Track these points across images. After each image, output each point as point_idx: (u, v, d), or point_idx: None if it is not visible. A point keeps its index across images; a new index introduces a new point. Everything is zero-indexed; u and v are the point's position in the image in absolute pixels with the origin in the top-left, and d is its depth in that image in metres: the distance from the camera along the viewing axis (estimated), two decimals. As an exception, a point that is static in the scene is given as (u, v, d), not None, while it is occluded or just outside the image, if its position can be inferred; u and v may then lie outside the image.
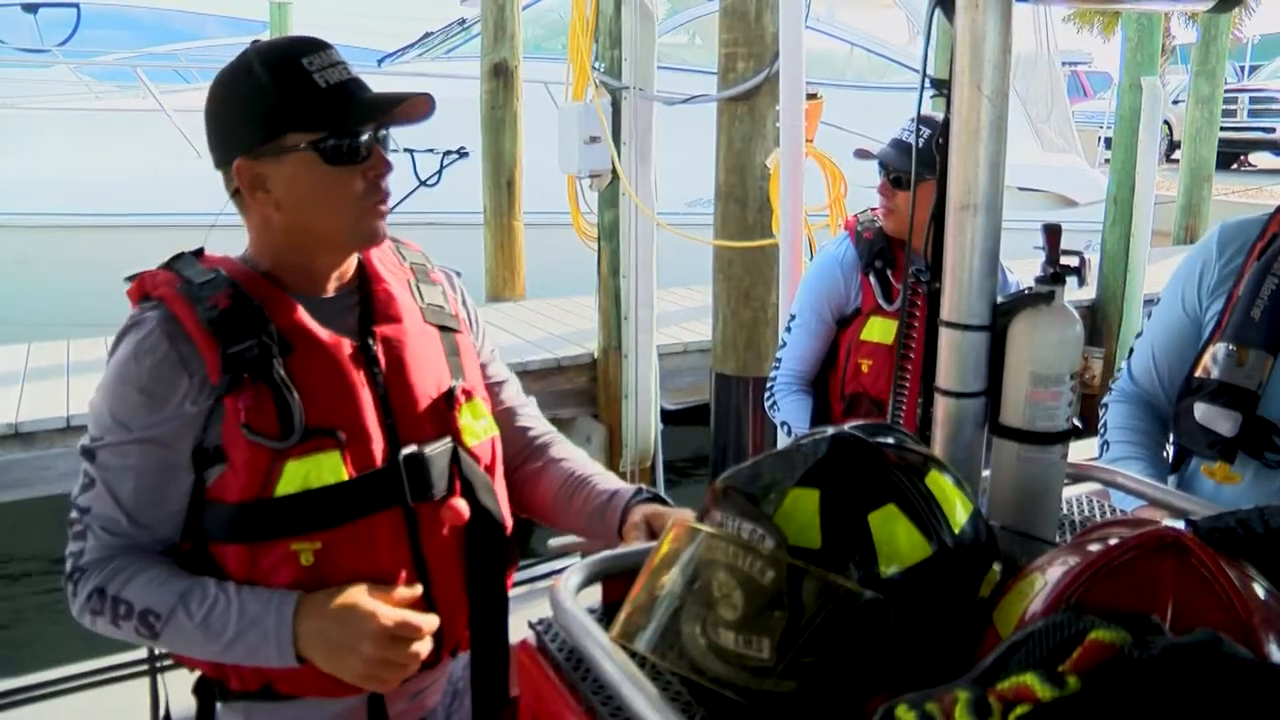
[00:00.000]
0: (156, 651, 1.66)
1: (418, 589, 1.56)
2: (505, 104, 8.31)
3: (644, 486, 1.75)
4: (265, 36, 12.00)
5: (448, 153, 8.90)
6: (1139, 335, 2.26)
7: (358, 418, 1.56)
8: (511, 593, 2.87)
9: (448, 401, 1.64)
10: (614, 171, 5.74)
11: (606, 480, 1.79)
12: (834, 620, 1.02)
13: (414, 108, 1.60)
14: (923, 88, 1.60)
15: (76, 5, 15.47)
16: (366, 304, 1.65)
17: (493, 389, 1.82)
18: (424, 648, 1.52)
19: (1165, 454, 2.15)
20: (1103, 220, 8.69)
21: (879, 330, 2.97)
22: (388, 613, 1.49)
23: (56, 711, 2.42)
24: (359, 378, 1.58)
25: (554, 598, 1.19)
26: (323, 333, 1.57)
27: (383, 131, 1.60)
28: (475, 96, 8.42)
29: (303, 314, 1.57)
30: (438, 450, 1.62)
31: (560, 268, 8.16)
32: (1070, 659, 0.73)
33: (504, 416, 1.83)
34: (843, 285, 3.05)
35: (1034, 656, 0.76)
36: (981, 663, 0.82)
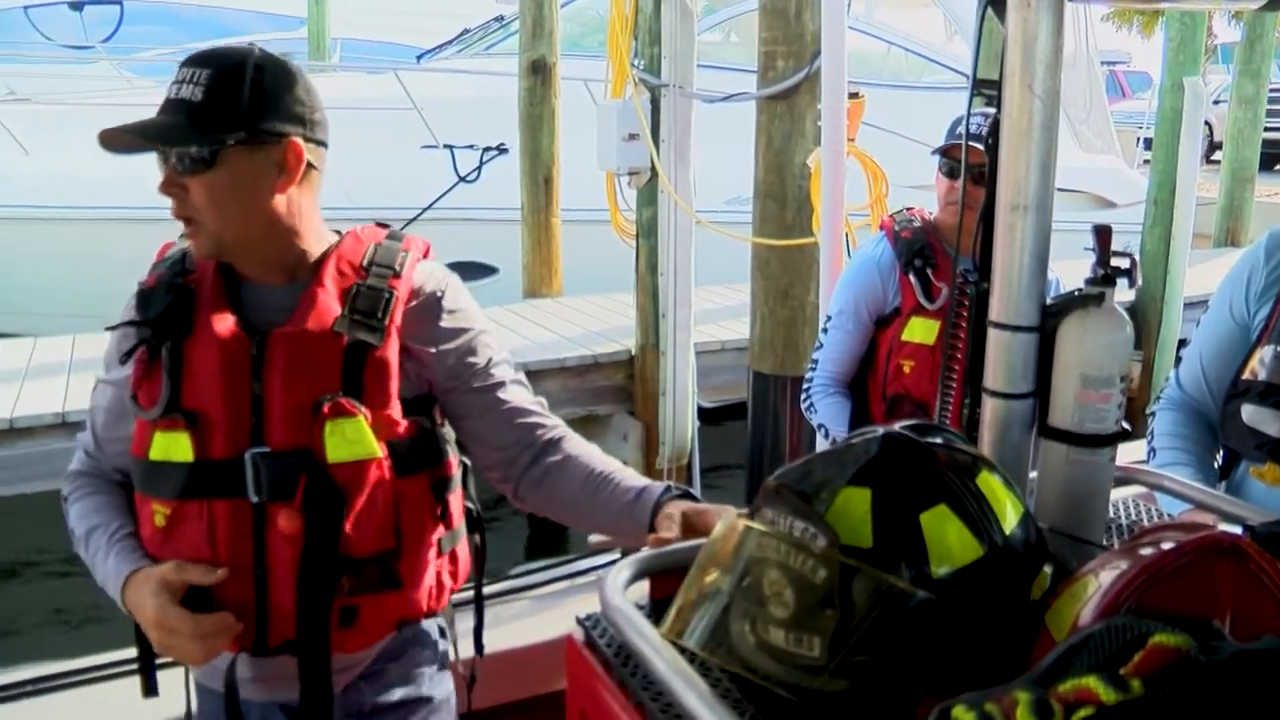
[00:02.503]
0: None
1: (218, 573, 1.62)
2: (543, 101, 8.32)
3: (672, 484, 1.72)
4: (303, 33, 12.10)
5: (487, 149, 8.98)
6: (1186, 344, 2.25)
7: (219, 408, 1.63)
8: (550, 588, 2.92)
9: (314, 413, 1.63)
10: (653, 169, 5.74)
11: (631, 477, 1.76)
12: (886, 620, 1.02)
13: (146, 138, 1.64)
14: (973, 88, 1.60)
15: (120, 2, 15.62)
16: (298, 302, 1.69)
17: (488, 391, 1.78)
18: (204, 643, 1.60)
19: (1214, 462, 2.13)
20: (1142, 222, 8.60)
21: (921, 331, 2.95)
22: (155, 605, 1.59)
23: (58, 705, 2.43)
24: (236, 371, 1.63)
25: (603, 594, 1.20)
26: (222, 323, 1.65)
27: (169, 153, 1.62)
28: (513, 94, 8.45)
29: (221, 302, 1.68)
30: (288, 458, 1.63)
31: (596, 265, 8.17)
32: (1132, 663, 0.72)
33: (505, 417, 1.79)
34: (880, 286, 3.03)
35: (1094, 659, 0.75)
36: (1038, 665, 0.82)
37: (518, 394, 1.82)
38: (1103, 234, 1.43)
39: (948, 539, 1.09)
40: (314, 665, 1.68)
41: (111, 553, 1.69)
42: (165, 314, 1.66)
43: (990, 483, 1.15)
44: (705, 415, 6.73)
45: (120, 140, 1.60)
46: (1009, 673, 1.04)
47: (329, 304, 1.67)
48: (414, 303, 1.73)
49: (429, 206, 8.65)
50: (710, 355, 7.04)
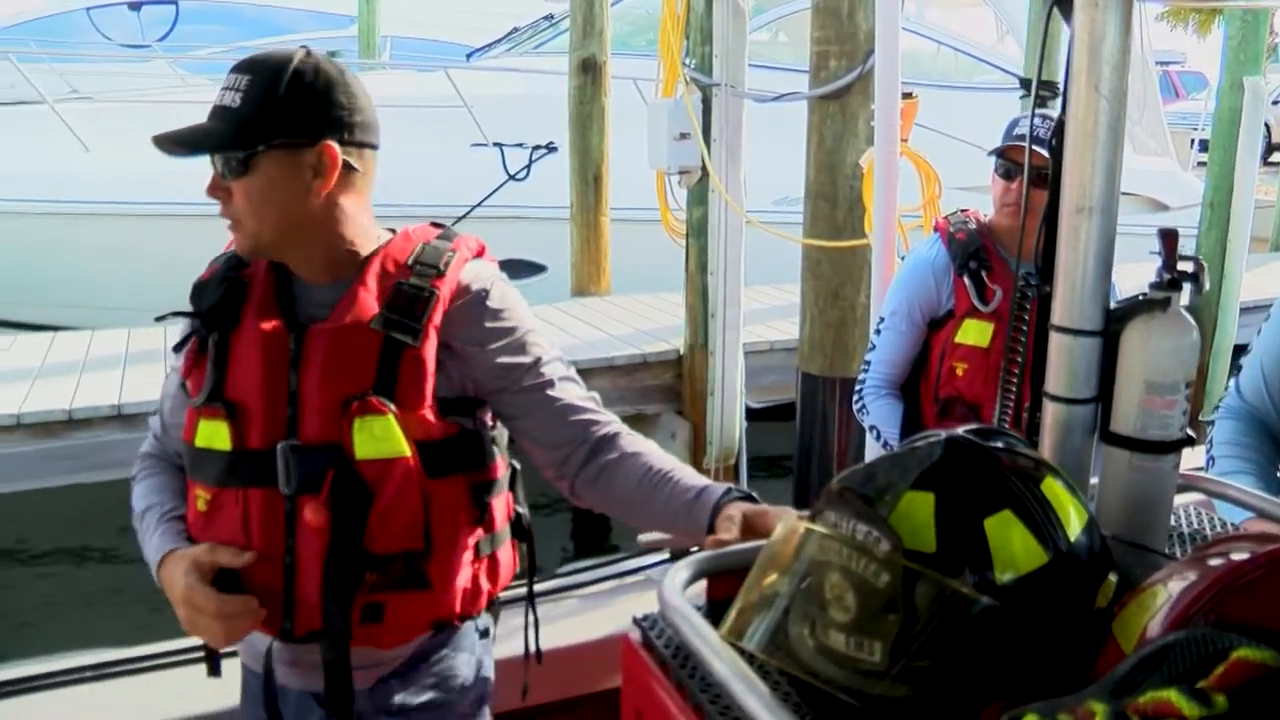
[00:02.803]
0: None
1: (246, 556, 1.67)
2: (593, 99, 8.33)
3: (733, 486, 1.70)
4: (353, 32, 12.20)
5: (536, 147, 9.02)
6: (1244, 350, 2.21)
7: (257, 400, 1.68)
8: (598, 587, 2.93)
9: (344, 410, 1.65)
10: (703, 168, 5.73)
11: (690, 476, 1.74)
12: (949, 626, 1.01)
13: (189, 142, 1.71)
14: (1036, 88, 1.58)
15: (175, 2, 15.85)
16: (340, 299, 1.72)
17: (538, 390, 1.77)
18: (227, 624, 1.64)
19: (1276, 471, 2.09)
20: (1197, 225, 8.47)
21: (974, 333, 2.92)
22: (185, 583, 1.64)
23: (116, 691, 2.47)
24: (275, 365, 1.68)
25: (661, 594, 1.19)
26: (267, 317, 1.70)
27: (216, 158, 1.68)
28: (563, 92, 8.47)
29: (269, 297, 1.74)
30: (318, 452, 1.66)
31: (643, 264, 8.18)
32: (1213, 676, 0.71)
33: (557, 414, 1.78)
34: (934, 287, 3.00)
35: (1173, 672, 0.74)
36: (1110, 675, 0.81)
37: (569, 391, 1.80)
38: (1169, 238, 1.41)
39: (1012, 545, 1.07)
40: (336, 656, 1.70)
41: (157, 532, 1.76)
42: (215, 307, 1.73)
43: (1055, 488, 1.14)
44: (752, 415, 6.71)
45: (168, 145, 1.67)
46: (1073, 681, 1.03)
47: (368, 302, 1.69)
48: (458, 302, 1.73)
49: (478, 204, 8.70)
50: (759, 355, 7.03)
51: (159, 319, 1.85)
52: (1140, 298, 1.40)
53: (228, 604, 1.63)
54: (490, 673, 1.94)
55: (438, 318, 1.70)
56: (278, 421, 1.68)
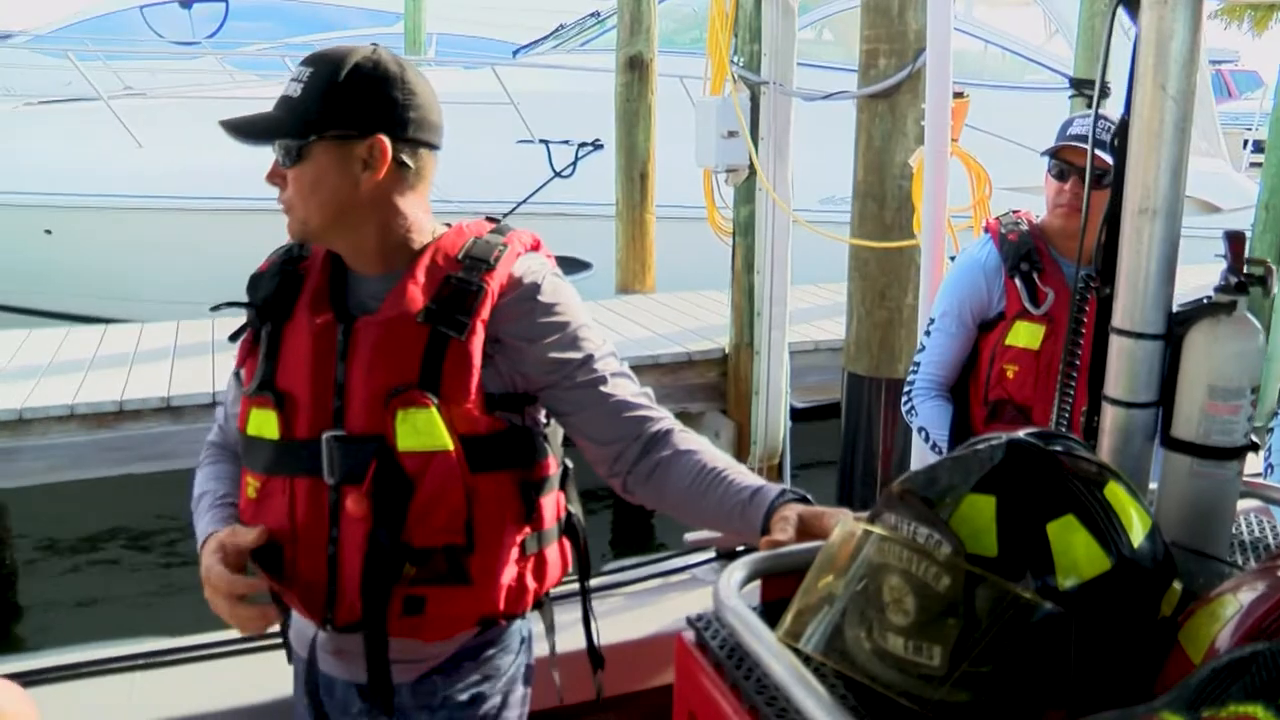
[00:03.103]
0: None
1: (257, 530, 1.70)
2: (640, 97, 8.33)
3: (788, 487, 1.69)
4: (400, 29, 12.30)
5: (582, 145, 9.04)
6: None
7: (304, 390, 1.71)
8: (643, 586, 2.92)
9: (387, 400, 1.66)
10: (751, 167, 5.71)
11: (745, 475, 1.73)
12: (1010, 631, 1.00)
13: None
14: (1100, 90, 1.56)
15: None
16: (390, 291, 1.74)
17: (591, 386, 1.76)
18: (234, 606, 1.65)
19: None
20: (1251, 227, 8.34)
21: (1025, 335, 2.89)
22: (206, 563, 1.67)
23: (163, 681, 2.49)
24: (323, 356, 1.70)
25: (717, 594, 1.19)
26: (318, 308, 1.73)
27: (276, 146, 1.72)
28: (609, 90, 8.47)
29: (322, 288, 1.76)
30: (362, 443, 1.67)
31: (688, 262, 8.17)
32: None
33: (611, 411, 1.77)
34: (985, 289, 2.97)
35: (1255, 685, 0.72)
36: (1183, 685, 0.80)
37: (623, 387, 1.79)
38: (1236, 241, 1.39)
39: (1075, 550, 1.06)
40: (374, 647, 1.71)
41: (206, 516, 1.80)
42: (269, 298, 1.76)
43: (1118, 493, 1.12)
44: (797, 415, 6.69)
45: (232, 131, 1.71)
46: (1138, 690, 1.02)
47: (416, 295, 1.69)
48: (508, 296, 1.73)
49: (524, 201, 8.73)
50: (803, 355, 7.00)
51: (214, 309, 1.88)
52: (1205, 301, 1.38)
53: (236, 584, 1.64)
54: (532, 673, 1.95)
55: (486, 312, 1.70)
56: (324, 412, 1.69)
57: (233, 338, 1.82)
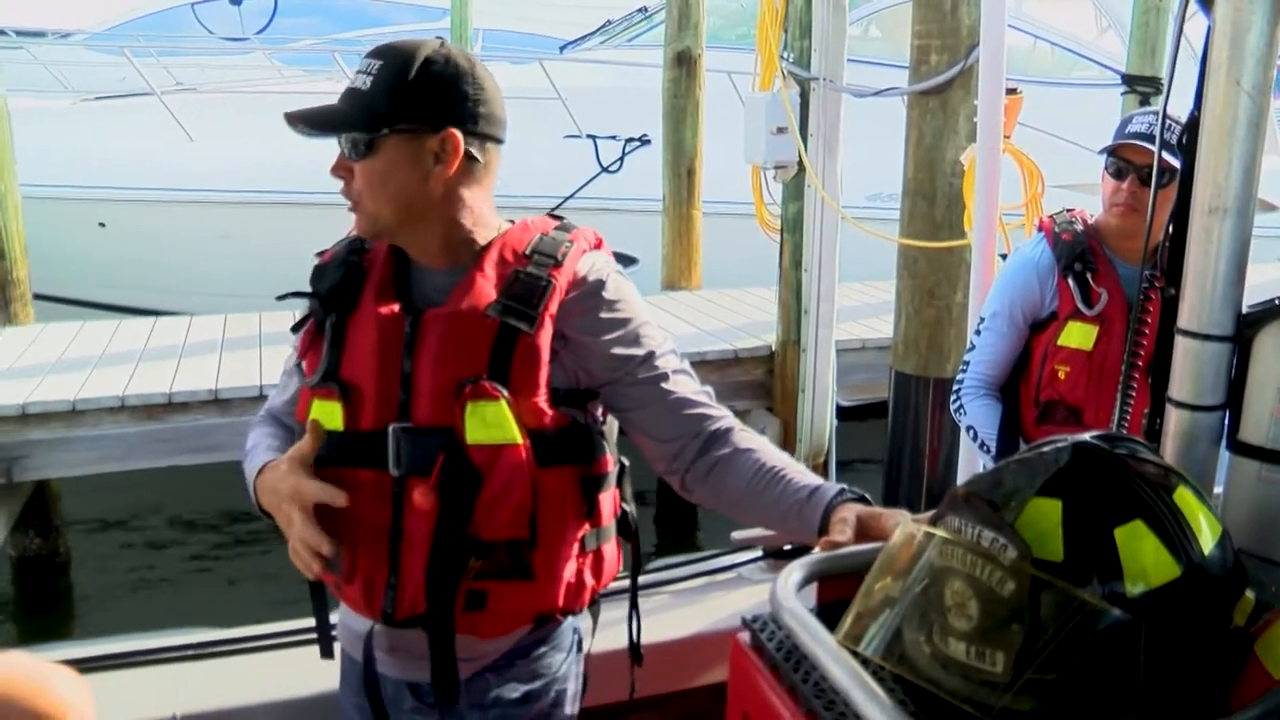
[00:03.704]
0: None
1: (341, 495, 1.64)
2: (687, 93, 8.32)
3: (847, 486, 1.66)
4: (446, 24, 12.35)
5: (629, 140, 9.02)
6: None
7: (370, 381, 1.70)
8: (690, 584, 2.91)
9: (456, 392, 1.65)
10: (800, 164, 5.68)
11: (803, 475, 1.71)
12: (1076, 638, 0.98)
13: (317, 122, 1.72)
14: (1169, 88, 1.52)
15: (275, -5, 16.24)
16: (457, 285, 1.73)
17: (653, 383, 1.76)
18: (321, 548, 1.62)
19: None
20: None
21: (1078, 336, 2.85)
22: (279, 473, 1.67)
23: (234, 669, 2.51)
24: (389, 348, 1.69)
25: (774, 596, 1.17)
26: (383, 300, 1.72)
27: (343, 138, 1.70)
28: (656, 85, 8.45)
29: (387, 281, 1.75)
30: (430, 435, 1.66)
31: (731, 258, 8.14)
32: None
33: (671, 408, 1.76)
34: (1038, 288, 2.93)
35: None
36: (1269, 700, 0.77)
37: (683, 384, 1.78)
38: (1309, 240, 1.35)
39: (1143, 557, 1.03)
40: (440, 641, 1.70)
41: (259, 456, 1.79)
42: (334, 289, 1.75)
43: (1188, 499, 1.09)
44: (843, 413, 6.65)
45: (298, 123, 1.68)
46: (1211, 703, 0.99)
47: (485, 288, 1.69)
48: (574, 292, 1.73)
49: (571, 195, 8.74)
50: (850, 353, 6.96)
51: (280, 298, 1.86)
52: (1276, 302, 1.35)
53: (316, 538, 1.62)
54: (583, 672, 1.94)
55: (554, 307, 1.70)
56: (390, 403, 1.69)
57: (295, 329, 1.81)
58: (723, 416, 1.79)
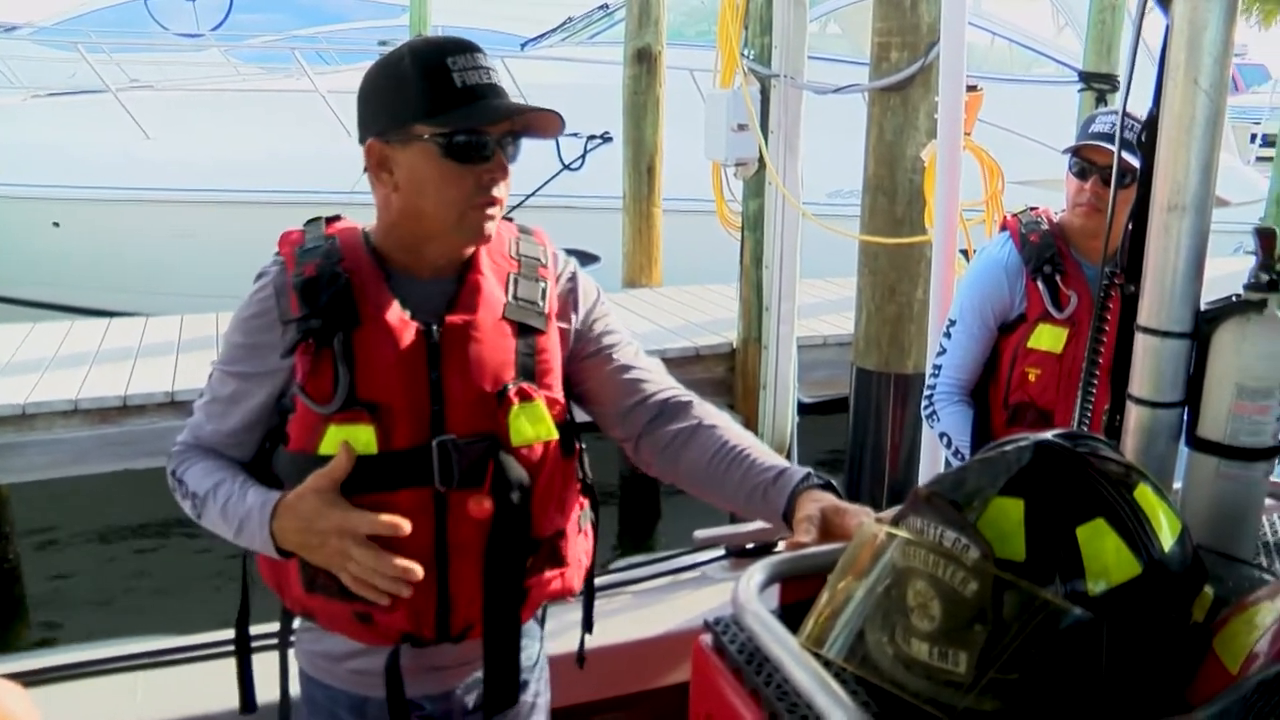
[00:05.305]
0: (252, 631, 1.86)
1: (340, 461, 1.58)
2: (648, 90, 8.31)
3: (813, 471, 1.66)
4: (406, 21, 12.26)
5: (591, 137, 8.99)
6: None
7: (400, 398, 1.63)
8: (652, 584, 2.90)
9: (499, 399, 1.66)
10: (760, 160, 5.68)
11: (767, 455, 1.72)
12: (1039, 637, 0.97)
13: (542, 122, 1.67)
14: (1127, 87, 1.53)
15: (230, -10, 16.08)
16: (459, 292, 1.71)
17: (603, 351, 1.82)
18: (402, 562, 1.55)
19: None
20: (1260, 221, 8.31)
21: (1048, 339, 2.84)
22: (315, 503, 1.57)
23: (158, 681, 2.46)
24: (414, 361, 1.64)
25: (736, 598, 1.16)
26: (393, 313, 1.65)
27: (509, 139, 1.66)
28: (617, 82, 8.43)
29: (385, 292, 1.67)
30: (476, 443, 1.64)
31: (695, 256, 8.14)
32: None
33: (618, 371, 1.82)
34: (1007, 290, 2.91)
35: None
36: (1226, 697, 0.77)
37: (640, 356, 1.86)
38: (1266, 237, 1.36)
39: (1105, 555, 1.03)
40: (505, 646, 1.71)
41: (248, 492, 1.66)
42: (332, 304, 1.63)
43: (1147, 496, 1.10)
44: (804, 410, 6.67)
45: (555, 125, 1.70)
46: (1169, 698, 0.99)
47: (494, 293, 1.71)
48: (559, 289, 1.80)
49: (533, 193, 8.70)
50: (811, 350, 6.97)
51: (286, 323, 1.65)
52: (1234, 299, 1.36)
53: (369, 520, 1.55)
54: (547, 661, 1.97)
55: (554, 305, 1.76)
56: (424, 418, 1.64)
57: (286, 354, 1.64)
58: (677, 390, 1.84)
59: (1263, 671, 0.78)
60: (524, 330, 1.70)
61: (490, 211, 1.66)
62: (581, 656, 1.99)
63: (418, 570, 1.55)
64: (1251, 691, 0.76)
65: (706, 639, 1.28)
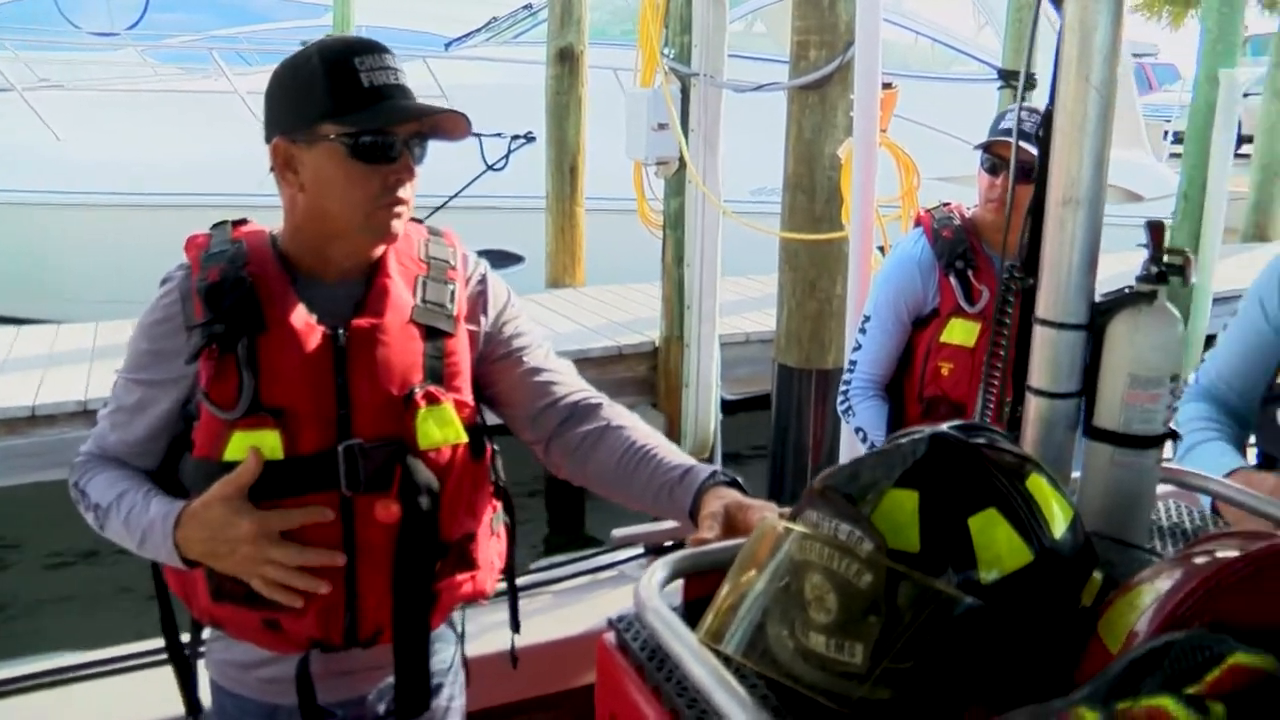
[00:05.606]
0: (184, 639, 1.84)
1: (248, 466, 1.58)
2: (570, 89, 8.30)
3: (719, 469, 1.67)
4: (328, 21, 12.09)
5: (515, 137, 8.91)
6: (1212, 347, 2.20)
7: (305, 403, 1.62)
8: (573, 583, 2.90)
9: (406, 402, 1.65)
10: (681, 159, 5.70)
11: (675, 454, 1.73)
12: (932, 627, 0.98)
13: (450, 124, 1.68)
14: (1025, 81, 1.55)
15: (146, -12, 15.75)
16: (366, 295, 1.70)
17: (514, 353, 1.82)
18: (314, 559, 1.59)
19: (1245, 449, 2.08)
20: (1172, 216, 8.50)
21: (961, 333, 2.88)
22: (222, 511, 1.57)
23: (74, 696, 2.42)
24: (319, 365, 1.63)
25: (638, 595, 1.16)
26: (298, 317, 1.64)
27: (417, 140, 1.66)
28: (542, 82, 8.41)
29: (290, 296, 1.66)
30: (383, 447, 1.63)
31: (616, 254, 8.14)
32: (1205, 682, 0.68)
33: (529, 374, 1.82)
34: (920, 285, 2.95)
35: (1168, 677, 0.71)
36: (1100, 677, 0.78)
37: (551, 358, 1.86)
38: (1156, 230, 1.39)
39: (997, 544, 1.05)
40: (413, 651, 1.69)
41: (151, 502, 1.65)
42: (236, 309, 1.61)
43: (1040, 485, 1.11)
44: (727, 407, 6.70)
45: (461, 126, 1.70)
46: (1056, 682, 1.01)
47: (402, 296, 1.70)
48: (468, 290, 1.79)
49: (457, 194, 8.64)
50: (734, 347, 7.02)
51: (191, 328, 1.64)
52: (1126, 291, 1.38)
53: (271, 519, 1.58)
54: (465, 663, 1.96)
55: (462, 307, 1.75)
56: (330, 423, 1.63)
57: (190, 360, 1.63)
58: (587, 393, 1.84)
59: (1134, 650, 0.79)
60: (432, 333, 1.69)
61: (397, 210, 1.65)
62: (514, 656, 1.99)
63: (340, 558, 1.59)
64: (1123, 669, 0.77)
65: (610, 637, 1.28)
